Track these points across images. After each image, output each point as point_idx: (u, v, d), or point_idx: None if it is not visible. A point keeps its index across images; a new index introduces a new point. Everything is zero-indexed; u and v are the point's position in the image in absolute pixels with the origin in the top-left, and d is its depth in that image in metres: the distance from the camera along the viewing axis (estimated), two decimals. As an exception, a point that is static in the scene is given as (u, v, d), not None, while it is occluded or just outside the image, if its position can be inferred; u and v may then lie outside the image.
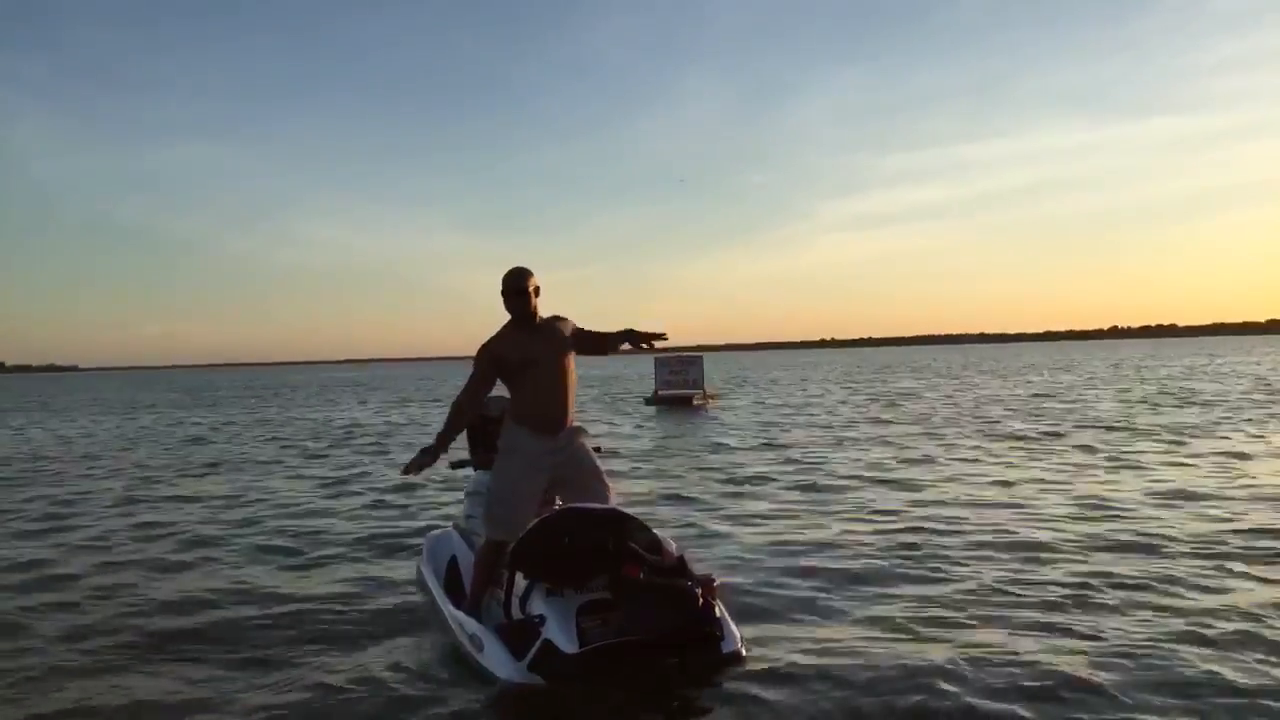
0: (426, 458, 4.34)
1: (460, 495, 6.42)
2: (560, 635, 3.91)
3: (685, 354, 26.71)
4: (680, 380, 24.86)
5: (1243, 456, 10.59)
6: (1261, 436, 12.58)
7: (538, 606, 4.05)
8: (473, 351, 4.58)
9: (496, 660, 4.05)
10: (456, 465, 6.07)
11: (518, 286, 4.46)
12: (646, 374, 26.39)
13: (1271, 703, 3.61)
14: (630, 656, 3.93)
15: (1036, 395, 23.80)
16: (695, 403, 24.19)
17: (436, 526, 6.54)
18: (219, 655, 4.57)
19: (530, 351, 4.44)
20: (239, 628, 5.02)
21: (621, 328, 4.54)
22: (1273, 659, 4.05)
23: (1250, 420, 14.85)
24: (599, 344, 4.61)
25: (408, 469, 4.36)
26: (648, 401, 24.95)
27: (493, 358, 4.47)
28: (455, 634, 4.50)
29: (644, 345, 4.52)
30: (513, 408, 4.56)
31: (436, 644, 4.60)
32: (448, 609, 4.79)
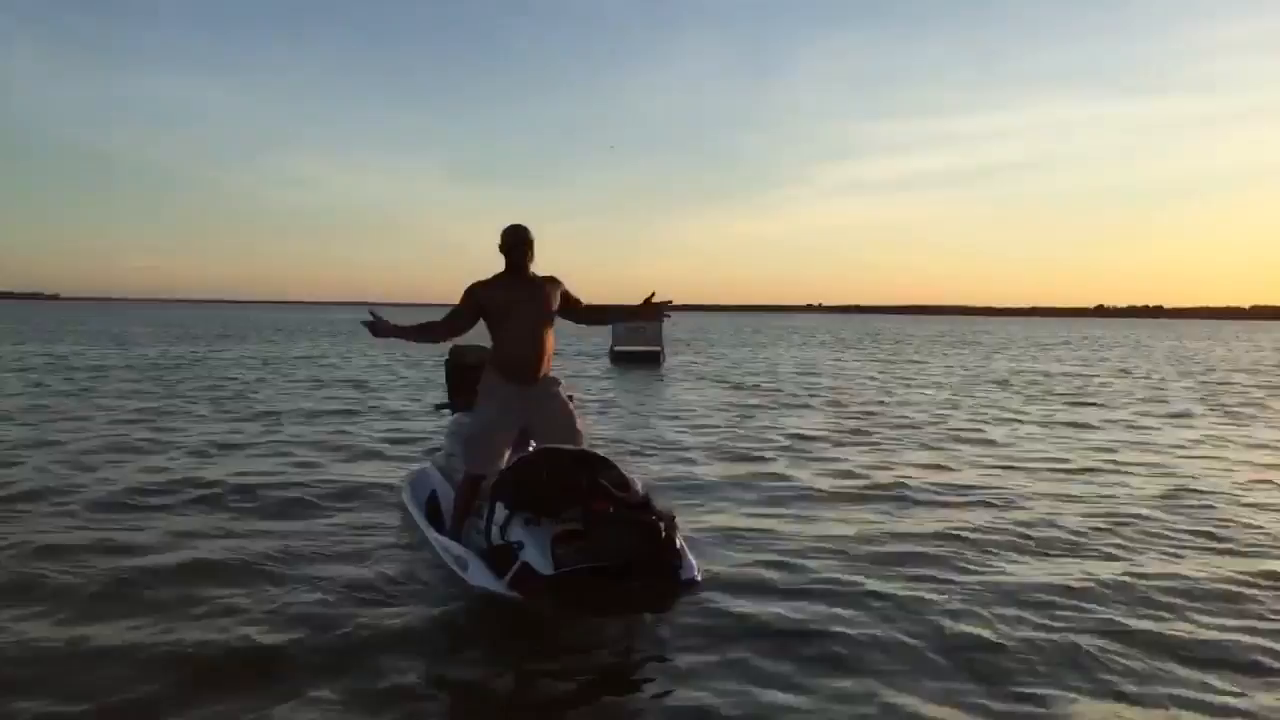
0: (387, 329, 4.86)
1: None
2: (537, 558, 4.39)
3: None
4: (638, 337, 24.56)
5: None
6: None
7: (517, 534, 4.53)
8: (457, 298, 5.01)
9: (481, 578, 4.54)
10: (439, 407, 6.60)
11: (520, 238, 4.91)
12: (602, 331, 25.98)
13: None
14: (599, 581, 4.43)
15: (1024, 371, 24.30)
16: (661, 360, 24.21)
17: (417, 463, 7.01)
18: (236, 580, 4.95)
19: (514, 300, 4.89)
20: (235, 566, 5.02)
21: (611, 295, 5.11)
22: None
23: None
24: (598, 315, 5.18)
25: (374, 326, 4.88)
26: (610, 358, 24.49)
27: (477, 300, 4.92)
28: (441, 556, 4.98)
29: (658, 313, 5.09)
30: (492, 354, 5.05)
31: (423, 566, 5.03)
32: (432, 535, 5.28)
